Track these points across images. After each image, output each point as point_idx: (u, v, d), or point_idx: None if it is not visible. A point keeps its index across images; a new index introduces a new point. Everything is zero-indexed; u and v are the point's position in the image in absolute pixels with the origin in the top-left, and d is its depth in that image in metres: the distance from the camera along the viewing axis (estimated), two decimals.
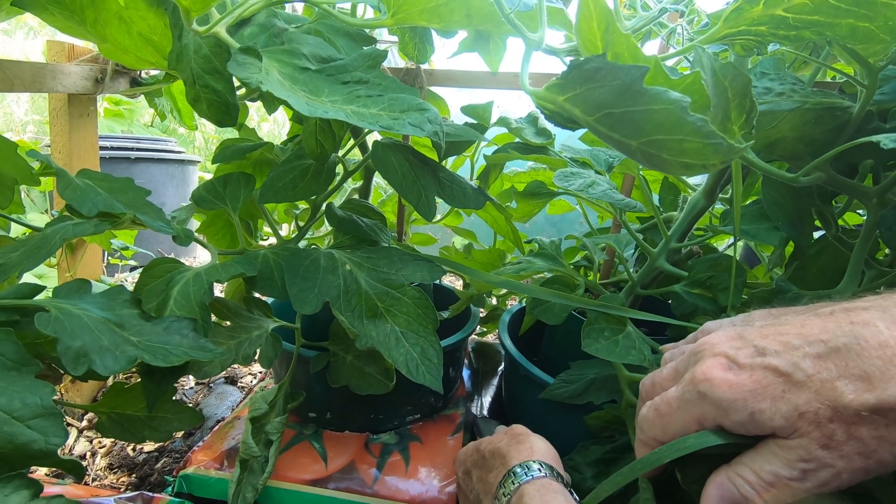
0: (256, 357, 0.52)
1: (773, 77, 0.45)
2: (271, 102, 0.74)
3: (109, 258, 1.08)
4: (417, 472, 0.59)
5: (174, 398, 0.84)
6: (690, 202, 0.58)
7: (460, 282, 1.38)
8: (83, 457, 0.71)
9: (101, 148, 1.23)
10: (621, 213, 0.56)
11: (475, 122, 0.64)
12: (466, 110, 0.64)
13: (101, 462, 0.70)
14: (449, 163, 0.80)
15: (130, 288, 0.45)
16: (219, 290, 1.16)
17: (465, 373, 0.82)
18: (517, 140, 0.60)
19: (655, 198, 0.78)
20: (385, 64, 0.75)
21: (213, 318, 0.53)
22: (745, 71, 0.35)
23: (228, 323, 0.53)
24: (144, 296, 0.45)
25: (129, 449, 0.72)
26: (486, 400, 0.75)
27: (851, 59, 0.41)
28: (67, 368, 0.35)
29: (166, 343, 0.40)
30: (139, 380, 0.43)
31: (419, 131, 0.41)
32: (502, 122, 0.62)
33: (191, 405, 0.83)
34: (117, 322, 0.39)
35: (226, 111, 0.52)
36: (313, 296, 0.48)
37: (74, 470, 0.36)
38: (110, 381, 0.82)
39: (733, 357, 0.29)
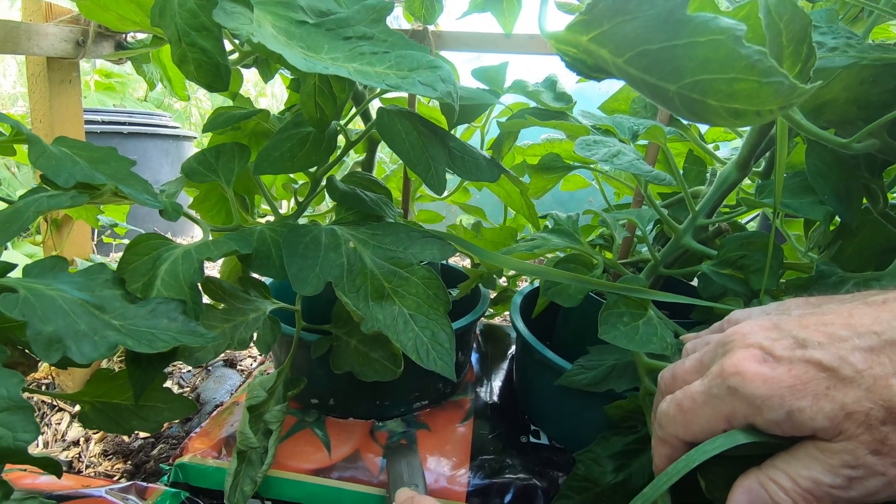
0: (253, 341, 0.48)
1: (825, 30, 0.40)
2: (267, 69, 0.69)
3: (103, 237, 1.04)
4: (426, 461, 0.56)
5: (168, 383, 0.82)
6: (721, 175, 0.53)
7: (466, 262, 1.34)
8: (76, 443, 0.69)
9: (92, 122, 1.19)
10: (646, 187, 0.52)
11: (487, 87, 0.60)
12: (478, 74, 0.59)
13: (94, 448, 0.67)
14: (458, 133, 0.75)
15: None
16: (215, 272, 1.12)
17: (474, 357, 0.79)
18: (534, 105, 0.55)
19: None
20: None
21: (206, 299, 0.49)
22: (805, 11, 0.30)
23: (223, 305, 0.49)
24: (128, 275, 0.41)
25: (124, 435, 0.69)
26: (496, 384, 0.72)
27: None
28: (39, 355, 0.31)
29: (152, 327, 0.37)
30: (125, 366, 0.40)
31: (431, 91, 0.37)
32: (517, 86, 0.57)
33: (188, 389, 0.80)
34: (97, 304, 0.35)
35: (215, 73, 0.47)
36: (314, 275, 0.44)
37: (51, 468, 0.32)
38: (104, 365, 0.79)
39: (769, 349, 0.26)
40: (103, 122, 1.19)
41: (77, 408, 0.74)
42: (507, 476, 0.54)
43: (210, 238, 0.48)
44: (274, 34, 0.39)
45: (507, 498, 0.53)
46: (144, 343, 0.35)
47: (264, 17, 0.40)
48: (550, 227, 0.55)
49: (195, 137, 1.48)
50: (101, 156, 0.46)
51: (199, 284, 0.42)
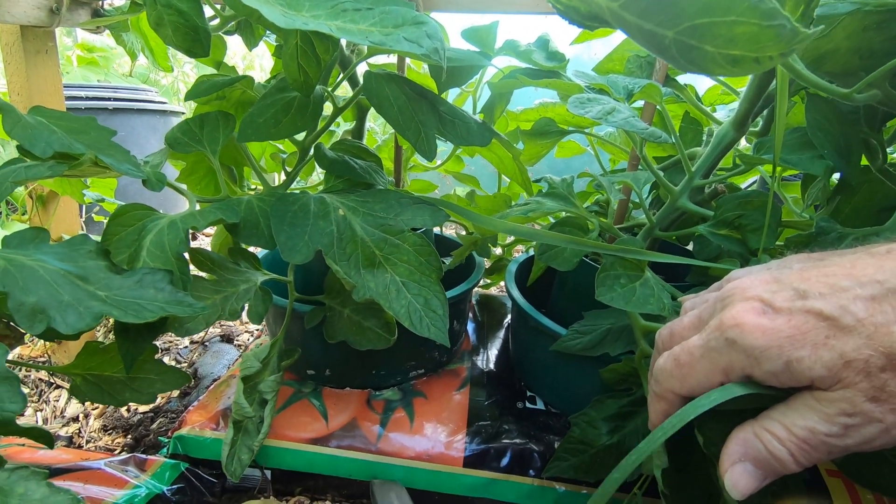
0: (245, 312, 0.48)
1: None
2: (251, 34, 0.67)
3: (93, 215, 1.03)
4: (423, 429, 0.56)
5: (165, 359, 0.82)
6: (718, 134, 0.52)
7: (462, 233, 1.33)
8: (76, 419, 0.69)
9: (76, 98, 1.16)
10: (641, 147, 0.51)
11: (477, 50, 0.58)
12: (467, 34, 0.57)
13: (94, 424, 0.68)
14: (449, 100, 0.73)
15: None
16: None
17: (470, 326, 0.79)
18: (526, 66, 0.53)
19: None
20: None
21: (199, 272, 0.48)
22: None
23: (213, 276, 0.49)
24: (113, 247, 0.40)
25: (123, 410, 0.69)
26: (492, 353, 0.72)
27: None
28: (23, 327, 0.31)
29: (139, 297, 0.36)
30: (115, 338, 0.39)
31: (416, 47, 0.35)
32: (509, 45, 0.55)
33: (185, 364, 0.80)
34: (80, 275, 0.35)
35: (194, 37, 0.46)
36: (303, 244, 0.43)
37: (42, 438, 0.32)
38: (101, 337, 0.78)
39: (769, 300, 0.25)
40: (87, 98, 1.16)
41: None
42: (504, 441, 0.55)
43: (197, 209, 0.47)
44: None
45: (504, 462, 0.53)
46: (131, 313, 0.34)
47: None
48: (545, 191, 0.54)
49: (184, 113, 1.45)
50: (80, 126, 0.45)
51: (186, 255, 0.41)
